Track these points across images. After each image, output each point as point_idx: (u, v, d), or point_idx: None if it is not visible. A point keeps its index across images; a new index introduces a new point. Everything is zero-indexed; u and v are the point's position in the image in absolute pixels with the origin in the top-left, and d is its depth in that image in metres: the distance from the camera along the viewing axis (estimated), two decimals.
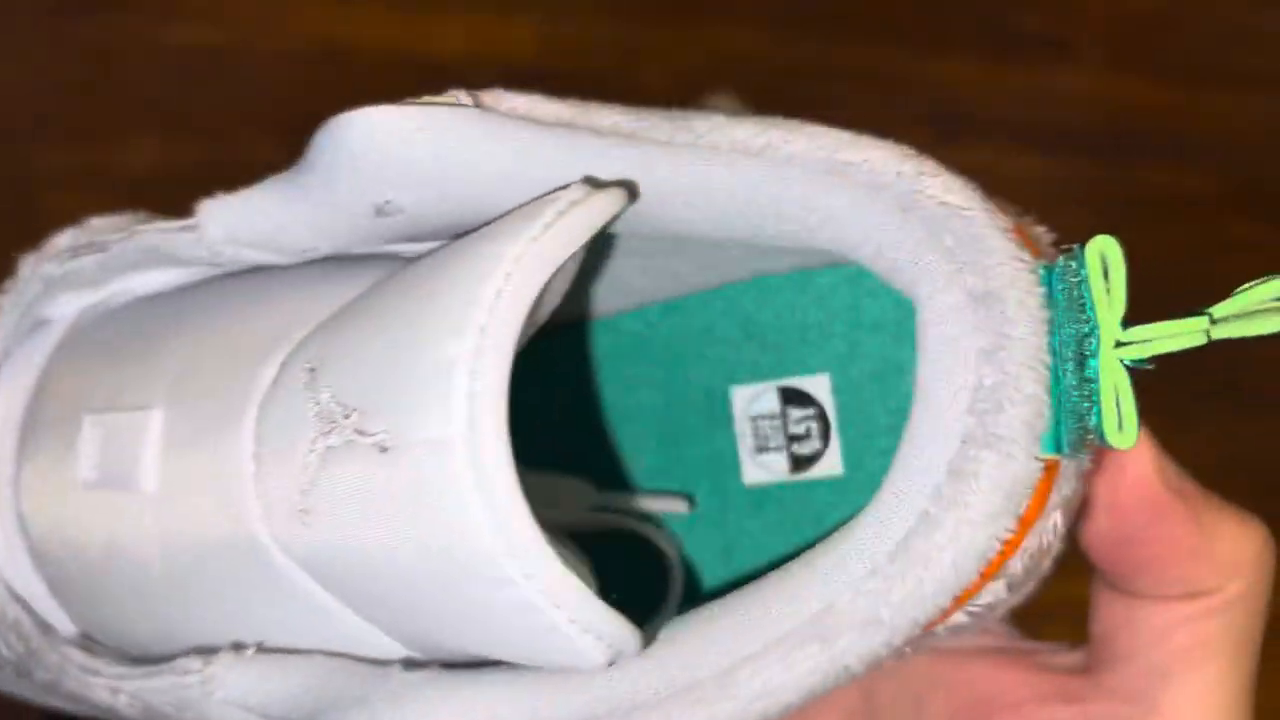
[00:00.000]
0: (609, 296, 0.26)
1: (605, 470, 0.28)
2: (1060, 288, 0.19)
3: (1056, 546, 0.21)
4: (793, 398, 0.26)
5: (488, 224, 0.19)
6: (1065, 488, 0.20)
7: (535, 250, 0.18)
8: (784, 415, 0.26)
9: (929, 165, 0.20)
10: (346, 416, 0.18)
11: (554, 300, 0.20)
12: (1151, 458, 0.23)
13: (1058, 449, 0.19)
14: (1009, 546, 0.19)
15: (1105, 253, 0.19)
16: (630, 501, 0.27)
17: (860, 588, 0.19)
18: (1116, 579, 0.25)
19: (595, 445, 0.28)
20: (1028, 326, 0.19)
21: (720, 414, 0.27)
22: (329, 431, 0.18)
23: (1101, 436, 0.19)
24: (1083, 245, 0.19)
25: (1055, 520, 0.20)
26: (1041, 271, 0.19)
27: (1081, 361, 0.19)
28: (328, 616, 0.20)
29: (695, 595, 0.27)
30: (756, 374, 0.26)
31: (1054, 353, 0.19)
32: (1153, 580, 0.24)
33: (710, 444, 0.27)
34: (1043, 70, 0.62)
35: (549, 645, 0.18)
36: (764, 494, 0.27)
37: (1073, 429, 0.19)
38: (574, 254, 0.18)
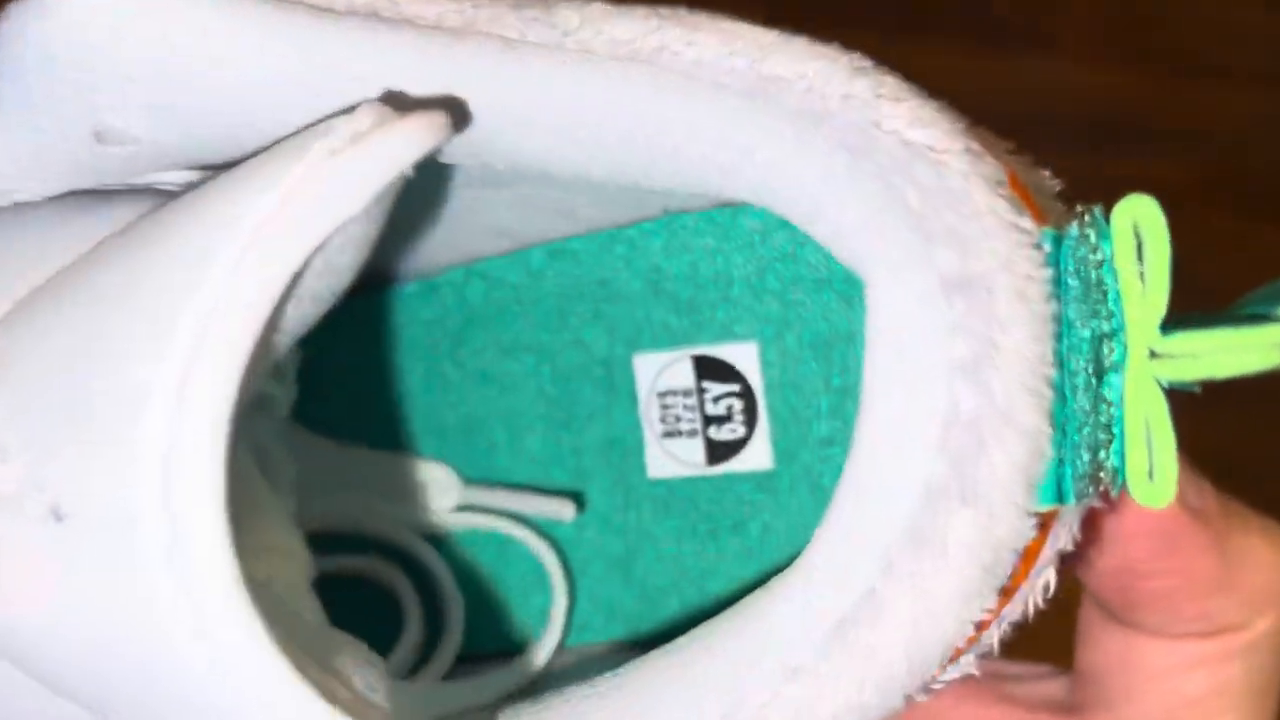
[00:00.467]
0: (474, 235, 0.20)
1: (475, 457, 0.22)
2: (1073, 268, 0.13)
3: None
4: (711, 370, 0.20)
5: (241, 163, 0.13)
6: (1063, 538, 0.15)
7: (287, 215, 0.11)
8: (700, 392, 0.21)
9: (890, 84, 0.14)
10: (6, 460, 0.12)
11: (336, 283, 0.14)
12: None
13: (1059, 498, 0.14)
14: (984, 624, 0.14)
15: (1139, 221, 0.13)
16: (504, 499, 0.21)
17: (778, 690, 0.14)
18: (1119, 611, 0.19)
19: (463, 425, 0.22)
20: (1026, 328, 0.13)
21: (620, 388, 0.21)
22: None
23: (1122, 483, 0.13)
24: (1107, 209, 0.13)
25: (1048, 579, 0.15)
26: (1048, 244, 0.13)
27: (1099, 374, 0.13)
28: (16, 691, 0.14)
29: (584, 617, 0.22)
30: (666, 339, 0.21)
31: (1061, 363, 0.13)
32: (1165, 617, 0.19)
33: (607, 426, 0.21)
34: (1022, 59, 0.58)
35: None
36: (673, 490, 0.21)
37: (1083, 471, 0.13)
38: (363, 211, 0.12)
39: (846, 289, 0.20)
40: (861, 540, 0.13)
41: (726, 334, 0.21)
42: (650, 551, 0.21)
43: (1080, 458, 0.13)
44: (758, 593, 0.14)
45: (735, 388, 0.21)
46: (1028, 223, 0.13)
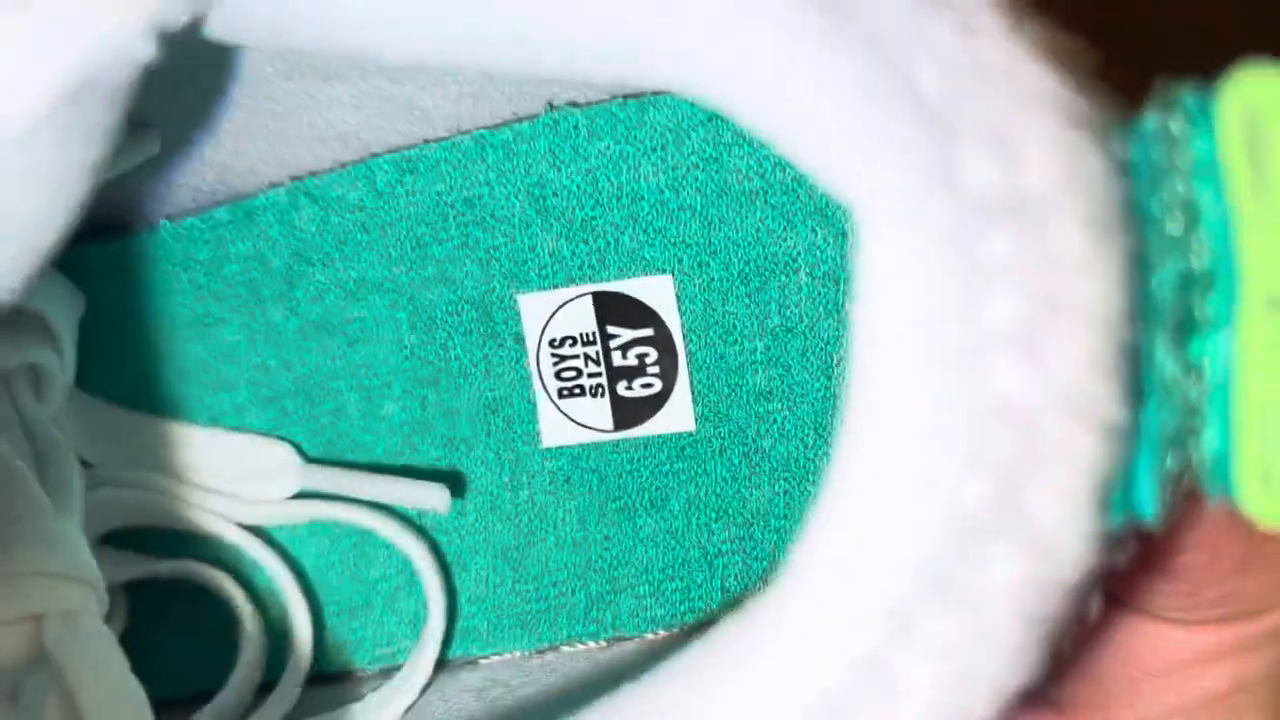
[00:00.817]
0: (297, 144, 0.15)
1: (318, 429, 0.17)
2: (1148, 180, 0.09)
3: None
4: (617, 311, 0.16)
5: None
6: (1118, 551, 0.11)
7: None
8: (603, 339, 0.16)
9: None
10: None
11: (21, 246, 0.09)
12: None
13: (1132, 510, 0.10)
14: None
15: (1258, 109, 0.09)
16: (357, 484, 0.17)
17: None
18: (1128, 593, 0.16)
19: (300, 389, 0.17)
20: (1099, 273, 0.09)
21: (502, 336, 0.17)
22: None
23: (1225, 490, 0.09)
24: (1203, 89, 0.09)
25: (1093, 607, 0.11)
26: (1115, 144, 0.09)
27: (1186, 334, 0.09)
28: None
29: (468, 624, 0.17)
30: (557, 273, 0.16)
31: (1143, 320, 0.09)
32: (1182, 600, 0.16)
33: (487, 384, 0.17)
34: None
35: None
36: (574, 461, 0.17)
37: (1166, 471, 0.09)
38: (47, 124, 0.07)
39: (785, 202, 0.16)
40: (858, 590, 0.09)
41: (635, 264, 0.16)
42: (548, 538, 0.17)
43: (1162, 453, 0.09)
44: (697, 656, 0.10)
45: (648, 332, 0.16)
46: (1089, 112, 0.09)
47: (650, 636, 0.17)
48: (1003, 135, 0.09)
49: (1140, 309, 0.09)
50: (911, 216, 0.09)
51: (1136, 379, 0.09)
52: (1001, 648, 0.09)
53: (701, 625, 0.16)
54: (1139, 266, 0.09)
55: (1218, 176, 0.09)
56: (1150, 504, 0.10)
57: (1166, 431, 0.09)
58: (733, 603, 0.16)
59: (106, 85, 0.08)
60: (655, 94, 0.15)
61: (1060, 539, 0.09)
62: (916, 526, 0.09)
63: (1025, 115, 0.09)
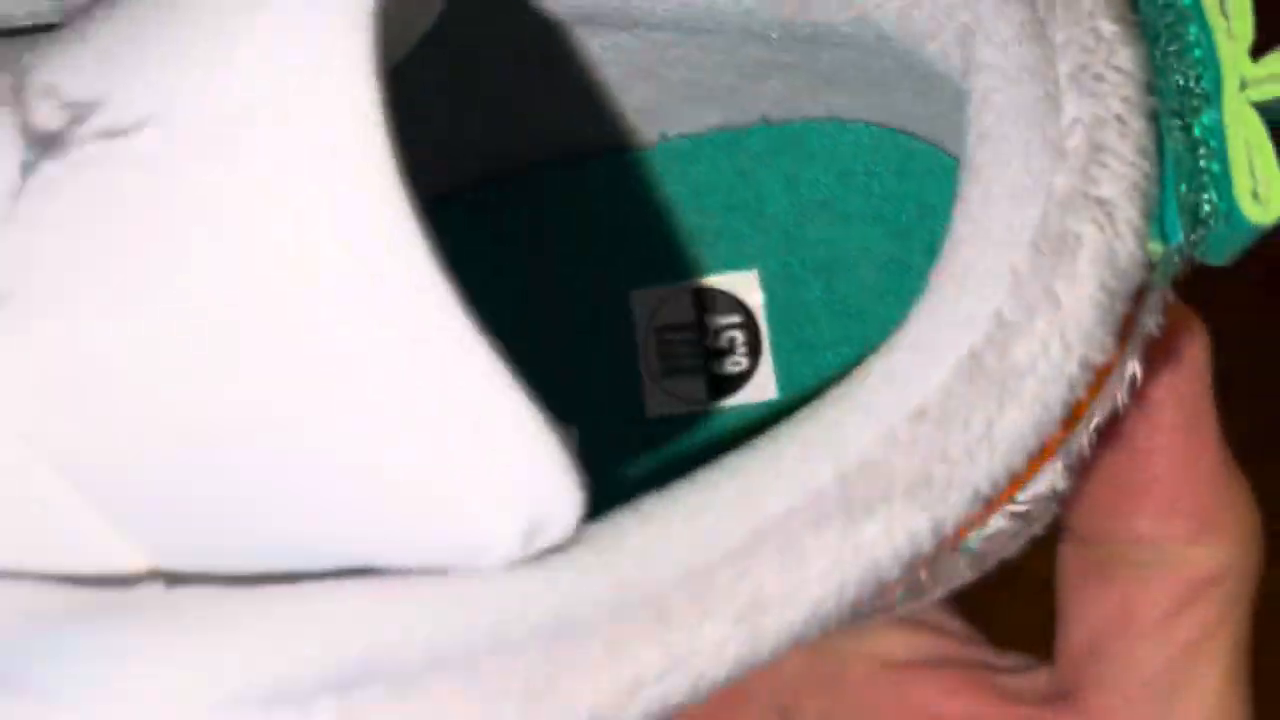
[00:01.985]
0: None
1: None
2: (1149, 14, 0.14)
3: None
4: (712, 302, 0.20)
5: None
6: (1149, 319, 0.15)
7: None
8: (701, 325, 0.20)
9: None
10: (78, 120, 0.10)
11: None
12: (1204, 355, 0.18)
13: (1164, 236, 0.13)
14: (1081, 405, 0.13)
15: None
16: None
17: (899, 435, 0.13)
18: (1112, 518, 0.19)
19: None
20: (1128, 52, 0.13)
21: (615, 325, 0.20)
22: (48, 149, 0.11)
23: (1229, 210, 0.13)
24: None
25: (1133, 371, 0.15)
26: None
27: (1187, 126, 0.14)
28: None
29: None
30: (664, 271, 0.20)
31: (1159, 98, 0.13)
32: (1162, 507, 0.18)
33: (602, 365, 0.20)
34: None
35: (427, 511, 0.11)
36: (673, 428, 0.20)
37: (1186, 207, 0.13)
38: None
39: (850, 209, 0.20)
40: (989, 256, 0.13)
41: (726, 260, 0.20)
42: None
43: (1180, 198, 0.13)
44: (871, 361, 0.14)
45: (737, 319, 0.20)
46: None
47: None
48: None
49: (1162, 93, 0.13)
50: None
51: (1162, 147, 0.13)
52: (1089, 307, 0.13)
53: None
54: (1151, 65, 0.13)
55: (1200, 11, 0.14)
56: (1177, 232, 0.13)
57: (1186, 183, 0.13)
58: None
59: None
60: (747, 126, 0.20)
61: (1124, 224, 0.13)
62: (1026, 202, 0.13)
63: None
